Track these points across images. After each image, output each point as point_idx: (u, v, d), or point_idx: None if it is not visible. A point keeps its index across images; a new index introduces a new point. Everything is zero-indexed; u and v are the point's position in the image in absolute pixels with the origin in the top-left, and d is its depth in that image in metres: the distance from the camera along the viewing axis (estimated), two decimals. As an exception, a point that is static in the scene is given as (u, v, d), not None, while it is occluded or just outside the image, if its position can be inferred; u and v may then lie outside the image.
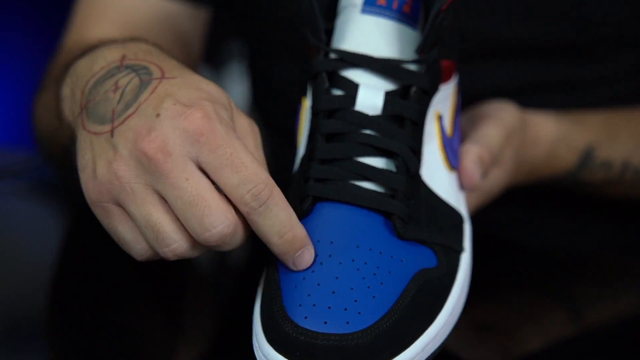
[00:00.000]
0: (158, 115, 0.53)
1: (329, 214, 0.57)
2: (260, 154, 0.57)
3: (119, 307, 0.68)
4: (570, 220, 0.89)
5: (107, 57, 0.59)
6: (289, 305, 0.54)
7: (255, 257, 0.77)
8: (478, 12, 0.83)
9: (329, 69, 0.59)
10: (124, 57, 0.59)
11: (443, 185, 0.61)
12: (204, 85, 0.56)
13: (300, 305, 0.53)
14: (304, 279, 0.55)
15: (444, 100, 0.62)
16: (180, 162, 0.53)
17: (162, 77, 0.56)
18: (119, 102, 0.55)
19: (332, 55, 0.60)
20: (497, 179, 0.71)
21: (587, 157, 0.79)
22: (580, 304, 0.72)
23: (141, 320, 0.67)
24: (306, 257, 0.55)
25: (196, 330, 0.67)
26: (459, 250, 0.60)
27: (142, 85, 0.56)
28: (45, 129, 0.77)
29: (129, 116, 0.54)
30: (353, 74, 0.59)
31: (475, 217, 0.68)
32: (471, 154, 0.66)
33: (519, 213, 0.88)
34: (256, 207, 0.53)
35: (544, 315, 0.69)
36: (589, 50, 0.84)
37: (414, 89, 0.59)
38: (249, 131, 0.57)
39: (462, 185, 0.65)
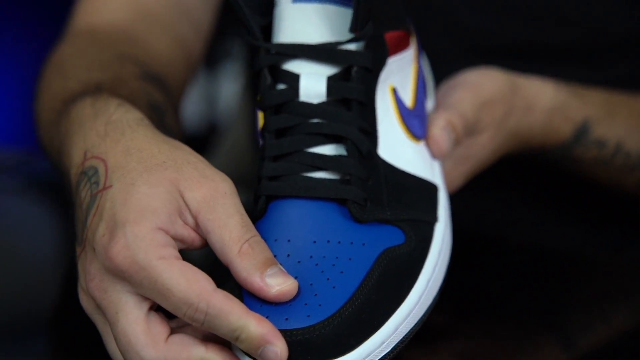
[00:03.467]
0: (94, 249, 0.54)
1: (284, 211, 0.56)
2: (238, 219, 0.54)
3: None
4: (558, 221, 0.90)
5: (75, 158, 0.59)
6: (250, 306, 0.53)
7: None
8: (479, 11, 0.83)
9: (270, 64, 0.58)
10: (85, 155, 0.58)
11: (408, 159, 0.60)
12: (136, 191, 0.54)
13: (261, 306, 0.53)
14: None
15: (398, 72, 0.61)
16: (114, 298, 0.53)
17: (104, 187, 0.56)
18: (82, 223, 0.56)
19: (272, 50, 0.59)
20: (482, 145, 0.70)
21: (583, 131, 0.77)
22: (571, 332, 0.70)
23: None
24: (270, 355, 0.52)
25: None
26: (432, 221, 0.59)
27: (91, 203, 0.56)
28: (48, 143, 0.75)
29: (83, 247, 0.56)
30: (294, 66, 0.58)
31: (464, 220, 0.68)
32: (439, 120, 0.65)
33: (507, 214, 0.88)
34: (198, 325, 0.52)
35: (534, 346, 0.67)
36: (588, 55, 0.84)
37: (355, 68, 0.58)
38: (217, 198, 0.55)
39: (433, 154, 0.64)
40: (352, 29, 0.57)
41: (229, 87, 1.55)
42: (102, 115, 0.60)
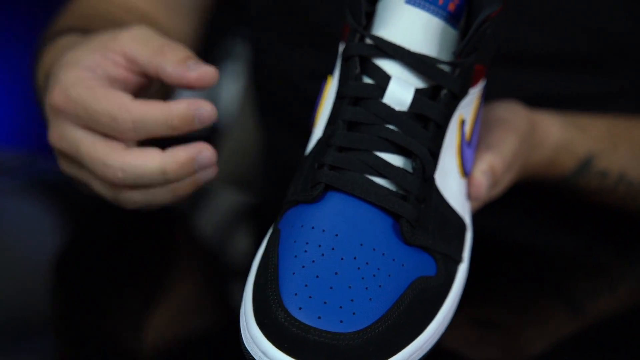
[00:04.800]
0: (49, 116, 0.67)
1: (339, 204, 0.56)
2: (150, 43, 0.66)
3: (114, 305, 0.68)
4: (564, 220, 0.90)
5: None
6: (285, 292, 0.53)
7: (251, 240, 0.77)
8: None
9: (363, 54, 0.58)
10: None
11: (453, 192, 0.61)
12: (68, 56, 0.67)
13: (296, 294, 0.53)
14: (303, 267, 0.54)
15: (468, 105, 0.61)
16: (70, 137, 0.65)
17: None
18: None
19: (368, 41, 0.58)
20: (503, 185, 0.70)
21: (585, 165, 0.78)
22: (578, 299, 0.72)
23: (137, 318, 0.68)
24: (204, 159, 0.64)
25: (179, 325, 0.67)
26: (459, 260, 0.60)
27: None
28: None
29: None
30: (386, 64, 0.58)
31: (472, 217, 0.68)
32: (483, 163, 0.65)
33: (514, 213, 0.88)
34: (132, 135, 0.64)
35: (543, 312, 0.69)
36: (598, 63, 0.83)
37: (444, 91, 0.58)
38: (136, 36, 0.66)
39: (469, 194, 0.64)
40: (458, 53, 0.57)
41: (230, 88, 1.55)
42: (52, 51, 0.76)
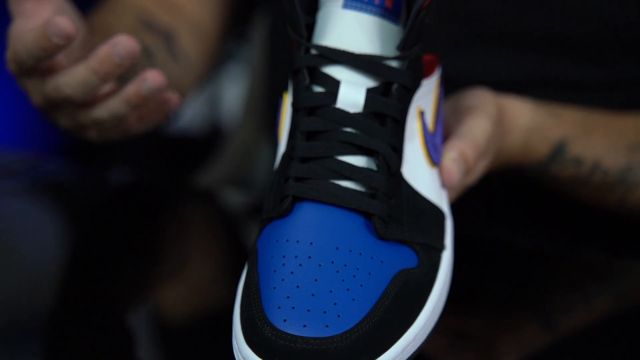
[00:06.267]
0: None
1: (309, 214, 0.57)
2: None
3: (116, 307, 0.68)
4: (540, 222, 0.90)
5: None
6: (268, 307, 0.53)
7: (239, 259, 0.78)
8: None
9: (310, 65, 0.59)
10: None
11: (425, 183, 0.61)
12: None
13: (279, 307, 0.53)
14: (283, 280, 0.54)
15: (426, 95, 0.61)
16: None
17: None
18: None
19: (313, 51, 0.59)
20: (479, 171, 0.70)
21: (559, 150, 0.78)
22: (552, 314, 0.71)
23: (138, 319, 0.68)
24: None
25: (179, 329, 0.68)
26: (440, 248, 0.60)
27: None
28: None
29: None
30: (334, 71, 0.58)
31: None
32: (452, 150, 0.65)
33: (494, 210, 0.88)
34: None
35: (518, 326, 0.69)
36: (598, 52, 0.84)
37: (395, 85, 0.58)
38: None
39: (442, 183, 0.64)
40: (401, 47, 0.58)
41: (232, 89, 1.55)
42: None
